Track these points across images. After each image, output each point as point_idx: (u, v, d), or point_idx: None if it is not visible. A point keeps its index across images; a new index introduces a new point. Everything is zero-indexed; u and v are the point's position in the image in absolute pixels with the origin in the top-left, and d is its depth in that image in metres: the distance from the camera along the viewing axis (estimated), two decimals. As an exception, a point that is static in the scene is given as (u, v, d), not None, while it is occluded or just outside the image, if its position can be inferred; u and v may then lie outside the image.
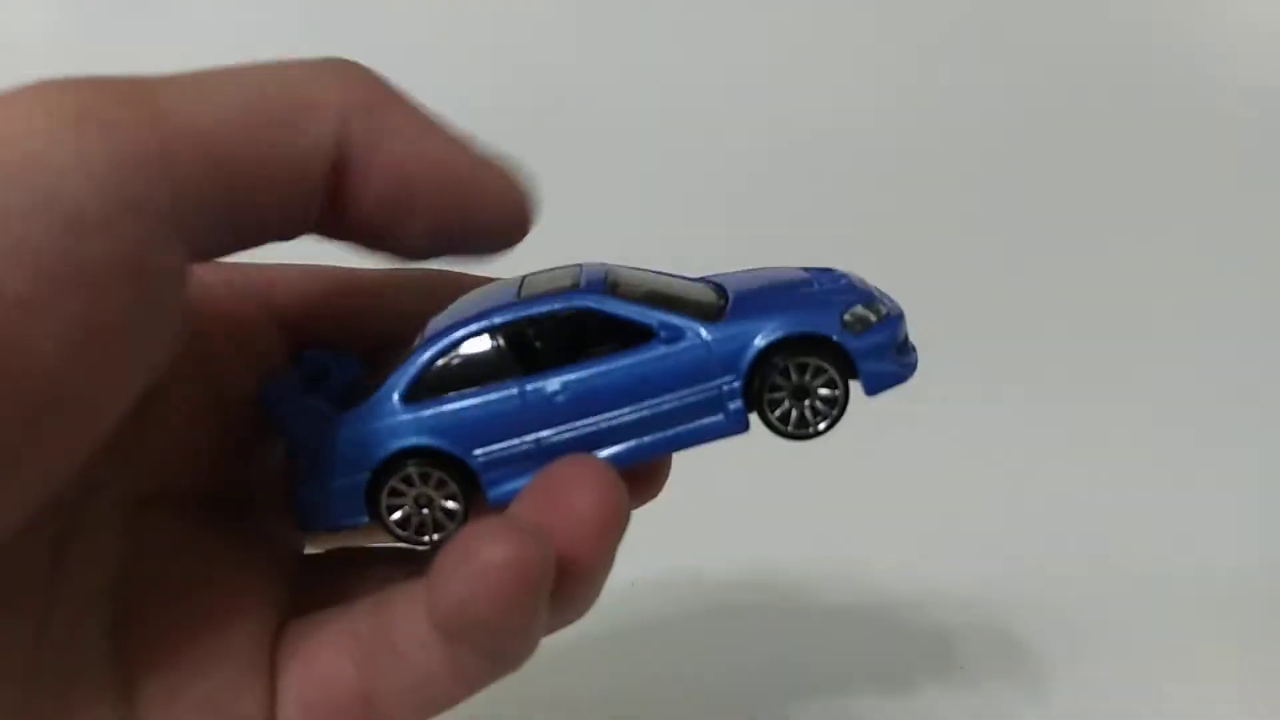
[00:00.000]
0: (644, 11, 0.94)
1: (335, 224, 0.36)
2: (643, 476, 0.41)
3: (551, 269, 0.42)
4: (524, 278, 0.41)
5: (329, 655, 0.36)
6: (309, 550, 0.44)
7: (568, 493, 0.35)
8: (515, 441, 0.37)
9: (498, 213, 0.37)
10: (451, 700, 0.35)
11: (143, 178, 0.29)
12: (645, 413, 0.37)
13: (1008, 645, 0.58)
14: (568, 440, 0.37)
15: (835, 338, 0.37)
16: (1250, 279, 0.89)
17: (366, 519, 0.38)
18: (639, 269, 0.42)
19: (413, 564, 0.40)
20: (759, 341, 0.37)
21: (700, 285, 0.42)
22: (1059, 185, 0.92)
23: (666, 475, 0.43)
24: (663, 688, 0.54)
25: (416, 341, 0.39)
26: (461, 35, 0.94)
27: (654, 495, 0.43)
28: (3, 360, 0.27)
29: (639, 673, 0.54)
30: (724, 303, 0.39)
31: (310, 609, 0.38)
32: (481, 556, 0.31)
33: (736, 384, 0.37)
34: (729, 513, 0.45)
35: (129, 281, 0.29)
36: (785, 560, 0.61)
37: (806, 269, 0.42)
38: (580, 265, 0.41)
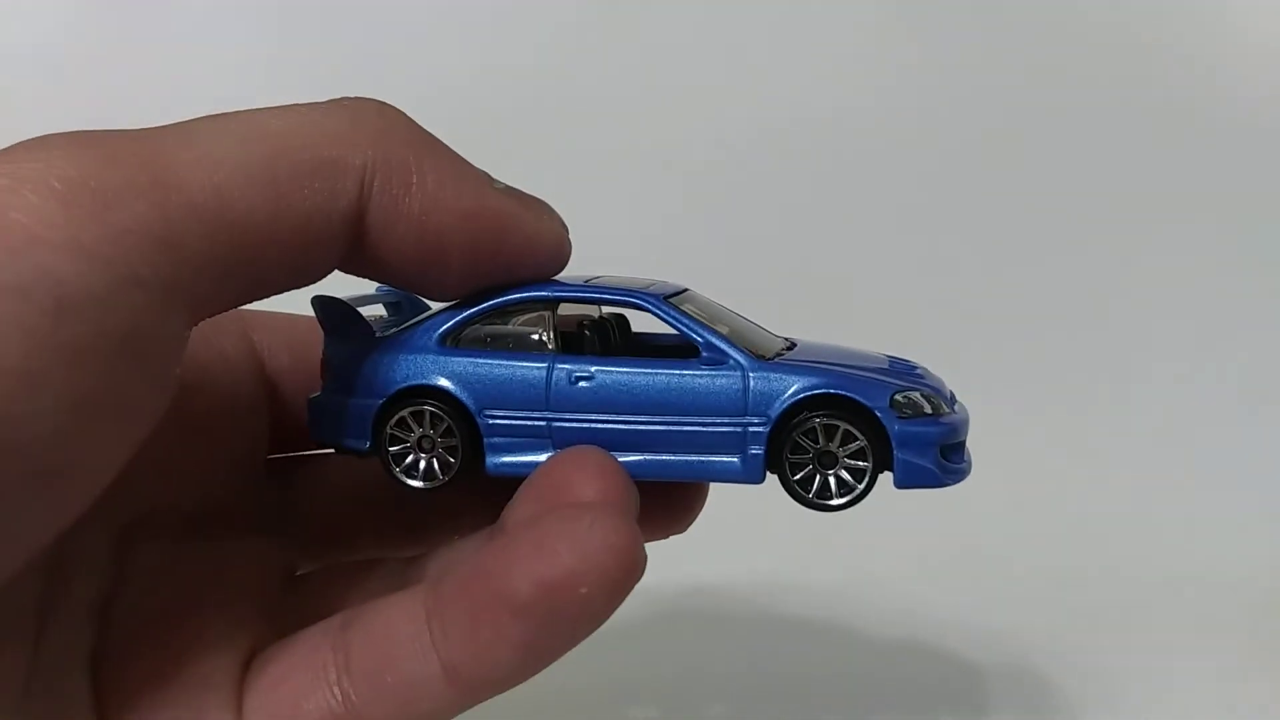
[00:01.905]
0: (637, 13, 0.92)
1: (361, 269, 0.35)
2: (675, 505, 0.40)
3: (633, 277, 0.41)
4: (599, 276, 0.41)
5: (300, 674, 0.35)
6: (300, 572, 0.43)
7: (568, 477, 0.34)
8: (528, 414, 0.37)
9: (531, 253, 0.36)
10: (442, 712, 0.34)
11: (140, 251, 0.28)
12: (663, 428, 0.36)
13: (1004, 644, 0.59)
14: (580, 431, 0.36)
15: (877, 412, 0.35)
16: (1254, 285, 0.89)
17: (369, 445, 0.38)
18: (720, 304, 0.42)
19: (395, 579, 0.39)
20: (796, 390, 0.36)
21: (771, 335, 0.41)
22: (1064, 190, 0.91)
23: (698, 510, 0.41)
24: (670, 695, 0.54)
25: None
26: (454, 34, 0.92)
27: (682, 528, 0.41)
28: None
29: (638, 678, 0.53)
30: (784, 353, 0.39)
31: (288, 630, 0.37)
32: (598, 536, 0.30)
33: (763, 430, 0.36)
34: (738, 526, 0.43)
35: (126, 354, 0.28)
36: (789, 575, 0.61)
37: (890, 355, 0.41)
38: (664, 280, 0.41)
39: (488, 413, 0.37)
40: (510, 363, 0.37)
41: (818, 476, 0.36)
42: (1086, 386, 0.86)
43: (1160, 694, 0.55)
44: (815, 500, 0.36)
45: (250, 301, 0.33)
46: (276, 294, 0.33)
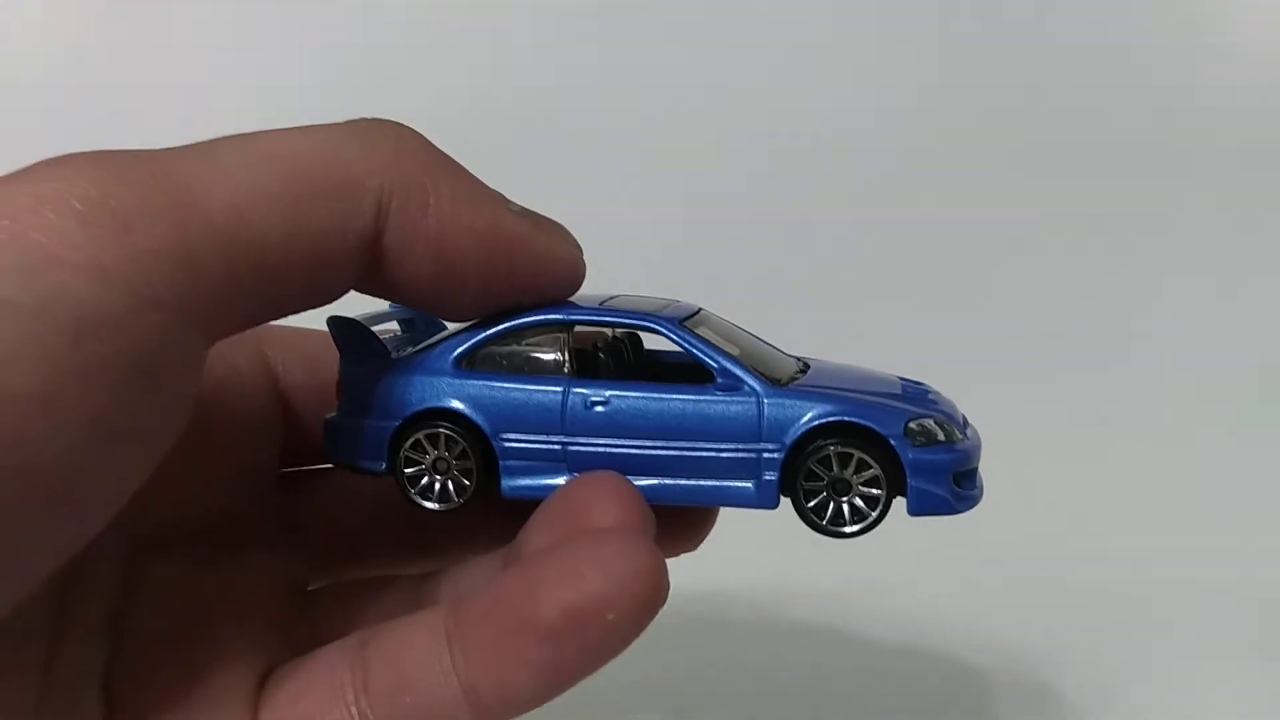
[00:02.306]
0: (637, 17, 0.92)
1: (378, 290, 0.35)
2: (687, 524, 0.40)
3: (647, 296, 0.41)
4: (614, 297, 0.41)
5: (317, 693, 0.34)
6: (312, 587, 0.43)
7: (587, 503, 0.34)
8: (544, 438, 0.37)
9: (545, 274, 0.36)
10: None
11: (159, 272, 0.28)
12: (678, 453, 0.36)
13: (1007, 648, 0.60)
14: (595, 455, 0.37)
15: (892, 440, 0.35)
16: (1258, 285, 0.89)
17: (385, 466, 0.38)
18: (733, 324, 0.42)
19: (409, 597, 0.39)
20: (810, 417, 0.36)
21: (784, 357, 0.41)
22: (1067, 195, 0.92)
23: (709, 529, 0.42)
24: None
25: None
26: (470, 54, 0.92)
27: (693, 547, 0.42)
28: (13, 455, 0.26)
29: (642, 683, 0.54)
30: (798, 377, 0.39)
31: (302, 647, 0.37)
32: (625, 562, 0.31)
33: (777, 455, 0.36)
34: (742, 531, 0.44)
35: (144, 374, 0.28)
36: (793, 580, 0.62)
37: (902, 378, 0.41)
38: (677, 300, 0.41)
39: (503, 436, 0.37)
40: (526, 386, 0.37)
41: (831, 503, 0.36)
42: (1089, 388, 0.86)
43: (1161, 693, 0.56)
44: (829, 527, 0.36)
45: (267, 321, 0.33)
46: (293, 314, 0.33)
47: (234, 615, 0.37)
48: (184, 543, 0.38)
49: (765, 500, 0.36)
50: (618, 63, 0.91)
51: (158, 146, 0.31)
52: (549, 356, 0.37)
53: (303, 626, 0.39)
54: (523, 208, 0.36)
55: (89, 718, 0.33)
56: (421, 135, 0.35)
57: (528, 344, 0.38)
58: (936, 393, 0.41)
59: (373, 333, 0.38)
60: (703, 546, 0.42)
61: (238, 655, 0.36)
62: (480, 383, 0.37)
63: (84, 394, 0.27)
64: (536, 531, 0.35)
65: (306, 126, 0.33)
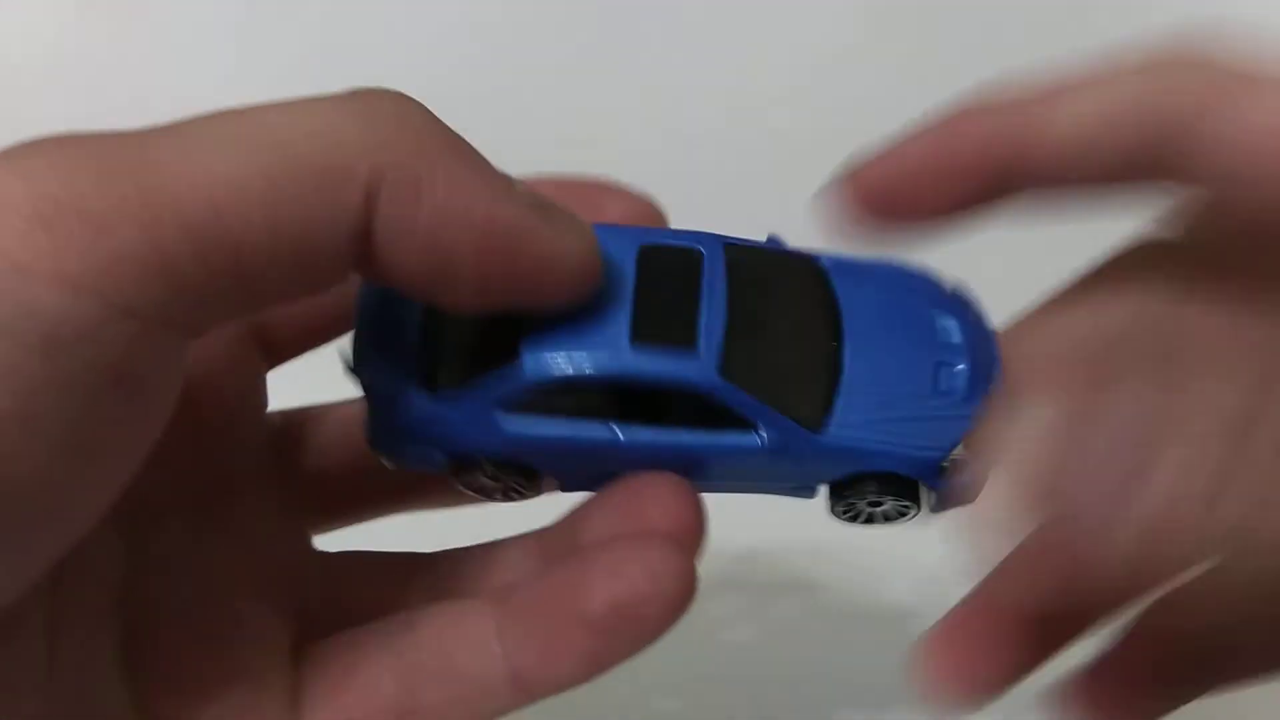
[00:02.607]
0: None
1: (370, 277, 0.32)
2: None
3: (674, 245, 0.37)
4: (643, 246, 0.36)
5: (368, 670, 0.35)
6: (315, 543, 0.42)
7: (644, 505, 0.35)
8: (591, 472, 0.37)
9: (550, 273, 0.32)
10: (502, 711, 0.35)
11: (131, 279, 0.26)
12: (723, 483, 0.38)
13: None
14: None
15: (928, 484, 0.37)
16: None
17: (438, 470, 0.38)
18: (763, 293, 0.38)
19: (433, 579, 0.39)
20: (853, 468, 0.37)
21: (818, 334, 0.37)
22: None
23: None
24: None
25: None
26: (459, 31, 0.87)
27: None
28: None
29: (662, 669, 0.52)
30: (833, 386, 0.36)
31: (334, 620, 0.37)
32: (670, 564, 0.33)
33: (818, 485, 0.38)
34: (762, 518, 0.44)
35: (119, 385, 0.27)
36: (813, 566, 0.60)
37: (940, 290, 0.40)
38: (702, 254, 0.37)
39: (550, 471, 0.38)
40: (572, 432, 0.35)
41: (861, 515, 0.38)
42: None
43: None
44: (861, 524, 0.39)
45: (251, 316, 0.31)
46: (281, 306, 0.31)
47: (251, 584, 0.37)
48: (188, 513, 0.37)
49: (804, 495, 0.39)
50: (617, 57, 0.86)
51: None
52: (589, 395, 0.35)
53: (323, 601, 0.39)
54: (531, 193, 0.32)
55: (110, 698, 0.33)
56: (423, 108, 0.31)
57: (567, 384, 0.35)
58: (979, 326, 0.40)
59: (394, 352, 0.36)
60: (731, 534, 0.41)
61: (262, 630, 0.36)
62: (522, 432, 0.35)
63: (57, 407, 0.26)
64: (590, 524, 0.36)
65: (295, 102, 0.29)
